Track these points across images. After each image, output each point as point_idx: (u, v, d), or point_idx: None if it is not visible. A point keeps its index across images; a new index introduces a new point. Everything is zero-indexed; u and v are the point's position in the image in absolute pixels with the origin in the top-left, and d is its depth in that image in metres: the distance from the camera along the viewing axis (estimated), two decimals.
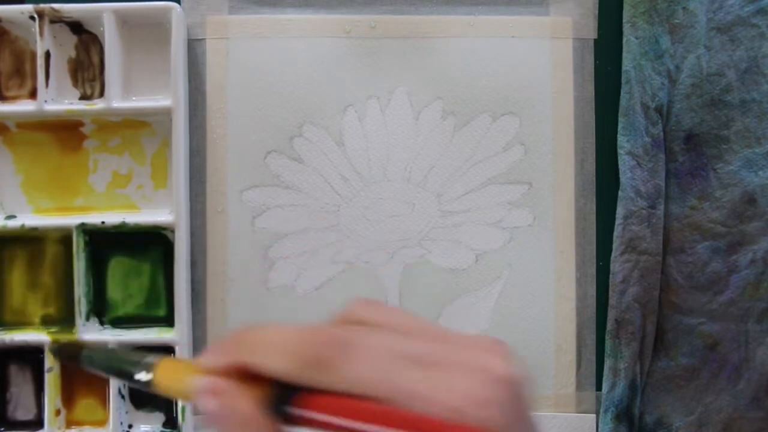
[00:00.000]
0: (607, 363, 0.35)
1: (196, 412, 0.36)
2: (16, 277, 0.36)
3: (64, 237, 0.35)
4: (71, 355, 0.29)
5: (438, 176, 0.36)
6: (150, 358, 0.25)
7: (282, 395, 0.21)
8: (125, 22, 0.35)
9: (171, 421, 0.36)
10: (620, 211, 0.35)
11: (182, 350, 0.34)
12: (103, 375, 0.30)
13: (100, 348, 0.30)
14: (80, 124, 0.36)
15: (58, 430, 0.35)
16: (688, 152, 0.35)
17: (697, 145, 0.35)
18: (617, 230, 0.35)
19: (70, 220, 0.35)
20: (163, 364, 0.24)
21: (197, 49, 0.36)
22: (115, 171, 0.36)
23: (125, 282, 0.36)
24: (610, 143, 0.36)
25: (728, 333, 0.35)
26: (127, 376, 0.25)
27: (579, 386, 0.36)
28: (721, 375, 0.36)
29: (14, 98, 0.36)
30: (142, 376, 0.25)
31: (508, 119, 0.36)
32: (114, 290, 0.36)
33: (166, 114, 0.35)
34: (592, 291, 0.36)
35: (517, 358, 0.22)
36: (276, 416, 0.21)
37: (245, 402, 0.22)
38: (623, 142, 0.35)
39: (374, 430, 0.19)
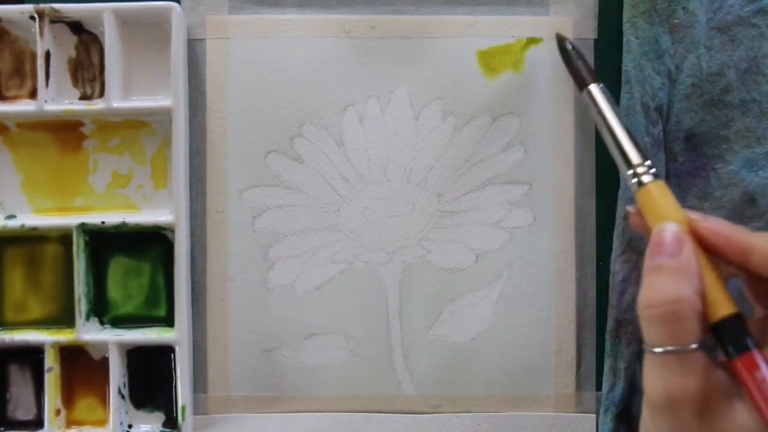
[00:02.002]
0: (607, 363, 0.35)
1: (195, 412, 0.36)
2: (16, 277, 0.36)
3: (64, 237, 0.35)
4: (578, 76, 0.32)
5: (438, 176, 0.36)
6: (644, 171, 0.28)
7: (736, 332, 0.24)
8: (125, 22, 0.35)
9: (171, 421, 0.36)
10: (620, 212, 0.35)
11: (182, 350, 0.34)
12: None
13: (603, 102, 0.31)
14: (80, 124, 0.36)
15: (58, 430, 0.35)
16: (688, 152, 0.35)
17: (697, 145, 0.35)
18: (617, 230, 0.35)
19: (70, 220, 0.35)
20: (656, 185, 0.28)
21: (197, 49, 0.36)
22: (115, 171, 0.36)
23: (125, 282, 0.36)
24: None
25: None
26: (623, 166, 0.29)
27: (579, 386, 0.36)
28: None
29: (14, 98, 0.36)
30: (630, 178, 0.29)
31: (508, 119, 0.36)
32: (114, 290, 0.36)
33: (166, 114, 0.35)
34: (592, 291, 0.36)
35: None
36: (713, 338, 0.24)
37: (691, 282, 0.24)
38: None
39: None
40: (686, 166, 0.35)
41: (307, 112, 0.36)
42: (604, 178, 0.36)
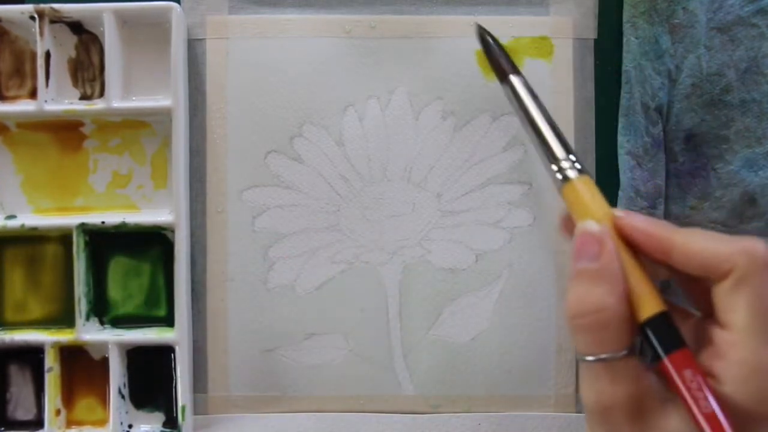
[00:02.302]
0: None
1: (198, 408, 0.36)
2: (16, 277, 0.36)
3: (64, 237, 0.35)
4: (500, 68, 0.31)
5: (438, 176, 0.36)
6: (568, 166, 0.27)
7: (664, 328, 0.24)
8: (125, 22, 0.35)
9: (171, 421, 0.36)
10: None
11: (182, 350, 0.34)
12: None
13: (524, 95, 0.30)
14: (80, 124, 0.36)
15: (58, 430, 0.35)
16: (688, 152, 0.35)
17: (697, 145, 0.35)
18: None
19: (70, 220, 0.35)
20: (581, 181, 0.27)
21: (197, 49, 0.36)
22: (115, 171, 0.36)
23: (125, 282, 0.36)
24: (610, 143, 0.36)
25: None
26: (546, 159, 0.28)
27: (579, 386, 0.36)
28: None
29: (14, 98, 0.36)
30: (556, 173, 0.28)
31: (508, 119, 0.36)
32: (114, 290, 0.36)
33: (166, 114, 0.35)
34: None
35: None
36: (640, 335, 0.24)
37: (614, 287, 0.23)
38: (623, 142, 0.35)
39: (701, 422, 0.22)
40: (686, 166, 0.35)
41: (307, 112, 0.36)
42: (604, 177, 0.36)
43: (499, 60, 0.31)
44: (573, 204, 0.27)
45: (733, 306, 0.23)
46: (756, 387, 0.22)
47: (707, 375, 0.23)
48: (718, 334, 0.23)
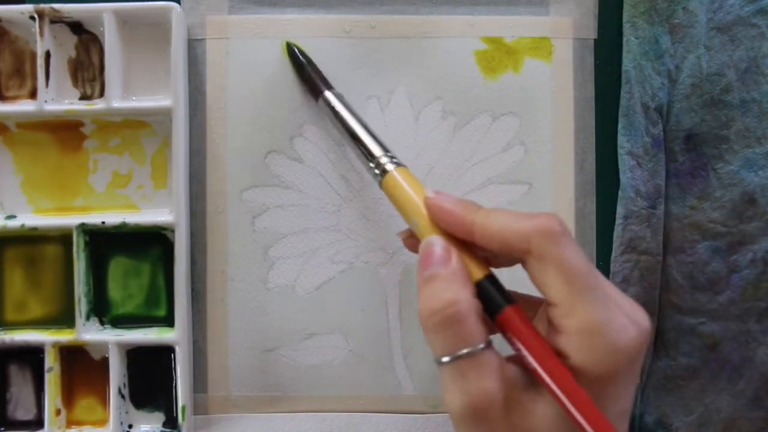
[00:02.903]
0: None
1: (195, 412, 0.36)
2: (16, 277, 0.36)
3: (64, 237, 0.35)
4: (312, 83, 0.34)
5: (438, 176, 0.36)
6: (386, 161, 0.29)
7: (492, 291, 0.25)
8: (125, 22, 0.35)
9: (171, 421, 0.36)
10: (620, 211, 0.35)
11: (182, 350, 0.34)
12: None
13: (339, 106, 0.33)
14: (80, 124, 0.36)
15: (58, 430, 0.35)
16: (688, 152, 0.35)
17: (697, 145, 0.35)
18: (617, 230, 0.35)
19: (70, 220, 0.35)
20: (398, 171, 0.29)
21: (197, 49, 0.36)
22: (115, 171, 0.36)
23: (125, 282, 0.36)
24: (610, 143, 0.36)
25: (728, 333, 0.35)
26: (366, 159, 0.30)
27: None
28: (721, 375, 0.36)
29: (14, 98, 0.36)
30: (374, 170, 0.30)
31: (508, 119, 0.36)
32: (114, 290, 0.36)
33: (166, 114, 0.35)
34: None
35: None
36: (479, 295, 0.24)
37: (465, 285, 0.24)
38: (623, 142, 0.35)
39: (539, 371, 0.23)
40: (686, 166, 0.35)
41: (307, 112, 0.36)
42: (604, 178, 0.36)
43: (312, 78, 0.34)
44: (393, 192, 0.28)
45: (546, 282, 0.23)
46: (592, 350, 0.22)
47: (557, 353, 0.23)
48: (551, 312, 0.23)
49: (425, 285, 0.24)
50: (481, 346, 0.23)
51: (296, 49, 0.34)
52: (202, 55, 0.36)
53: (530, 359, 0.23)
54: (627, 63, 0.35)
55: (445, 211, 0.25)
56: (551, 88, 0.36)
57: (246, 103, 0.36)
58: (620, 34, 0.35)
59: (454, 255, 0.25)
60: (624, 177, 0.35)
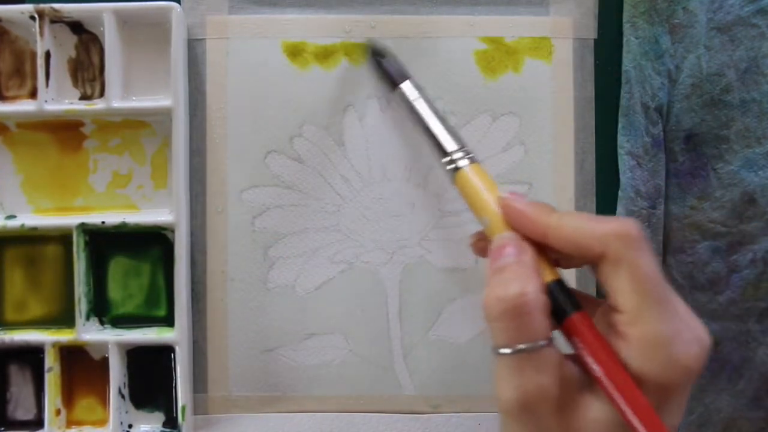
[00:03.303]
0: None
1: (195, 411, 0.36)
2: (16, 277, 0.36)
3: (64, 237, 0.35)
4: (392, 77, 0.33)
5: (438, 176, 0.36)
6: (459, 157, 0.29)
7: (561, 295, 0.24)
8: (125, 22, 0.35)
9: (171, 421, 0.36)
10: (620, 211, 0.35)
11: (182, 350, 0.34)
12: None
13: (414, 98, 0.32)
14: (80, 124, 0.36)
15: (58, 430, 0.35)
16: (688, 152, 0.35)
17: (697, 145, 0.35)
18: None
19: (70, 220, 0.35)
20: (471, 168, 0.28)
21: (197, 49, 0.36)
22: (115, 171, 0.36)
23: (125, 282, 0.36)
24: (610, 143, 0.36)
25: (728, 333, 0.35)
26: (438, 155, 0.30)
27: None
28: (721, 375, 0.36)
29: (14, 98, 0.36)
30: (445, 166, 0.29)
31: (508, 119, 0.36)
32: (114, 290, 0.36)
33: (166, 114, 0.35)
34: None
35: None
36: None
37: (534, 279, 0.24)
38: (623, 142, 0.35)
39: (605, 381, 0.22)
40: (686, 166, 0.35)
41: (307, 112, 0.36)
42: (604, 178, 0.36)
43: (391, 69, 0.33)
44: (464, 189, 0.28)
45: (617, 288, 0.23)
46: (654, 361, 0.22)
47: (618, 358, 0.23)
48: (615, 317, 0.23)
49: (496, 275, 0.24)
50: (543, 342, 0.23)
51: (374, 50, 0.34)
52: (202, 55, 0.36)
53: (596, 368, 0.23)
54: (627, 63, 0.35)
55: (519, 212, 0.26)
56: (551, 88, 0.36)
57: (246, 103, 0.36)
58: (620, 34, 0.35)
59: (528, 250, 0.25)
60: (624, 177, 0.35)
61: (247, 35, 0.36)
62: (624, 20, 0.35)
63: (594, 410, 0.23)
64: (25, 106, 0.35)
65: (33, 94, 0.35)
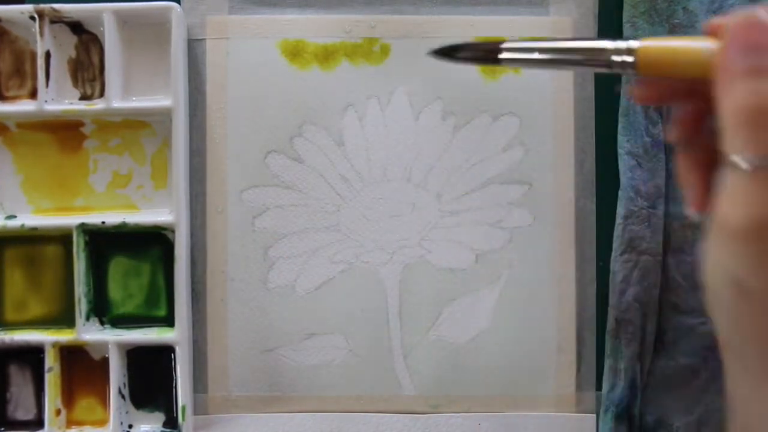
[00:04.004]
0: (607, 363, 0.35)
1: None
2: (16, 277, 0.36)
3: (64, 237, 0.35)
4: (482, 53, 0.27)
5: (438, 176, 0.36)
6: (623, 46, 0.23)
7: None
8: (125, 22, 0.35)
9: (171, 421, 0.36)
10: (620, 211, 0.35)
11: (182, 350, 0.34)
12: (537, 65, 0.26)
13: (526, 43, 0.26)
14: (80, 124, 0.36)
15: (58, 430, 0.35)
16: None
17: None
18: (617, 230, 0.35)
19: (70, 220, 0.35)
20: (648, 39, 0.23)
21: (197, 49, 0.36)
22: (115, 171, 0.36)
23: (125, 282, 0.36)
24: (610, 143, 0.36)
25: None
26: (593, 62, 0.24)
27: (579, 386, 0.36)
28: (721, 375, 0.36)
29: (14, 98, 0.36)
30: (619, 58, 0.23)
31: (508, 119, 0.36)
32: (114, 290, 0.36)
33: (166, 114, 0.35)
34: (592, 291, 0.36)
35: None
36: None
37: None
38: (623, 142, 0.35)
39: None
40: None
41: (307, 112, 0.36)
42: (604, 178, 0.36)
43: (480, 47, 0.28)
44: (663, 54, 0.23)
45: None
46: None
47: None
48: None
49: (752, 77, 0.20)
50: None
51: (446, 52, 0.29)
52: (202, 55, 0.36)
53: None
54: None
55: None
56: (551, 88, 0.36)
57: (246, 102, 0.36)
58: (620, 34, 0.35)
59: None
60: (624, 177, 0.35)
61: (247, 35, 0.36)
62: (624, 20, 0.35)
63: None
64: (25, 106, 0.35)
65: (33, 94, 0.35)
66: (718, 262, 0.21)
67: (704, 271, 0.21)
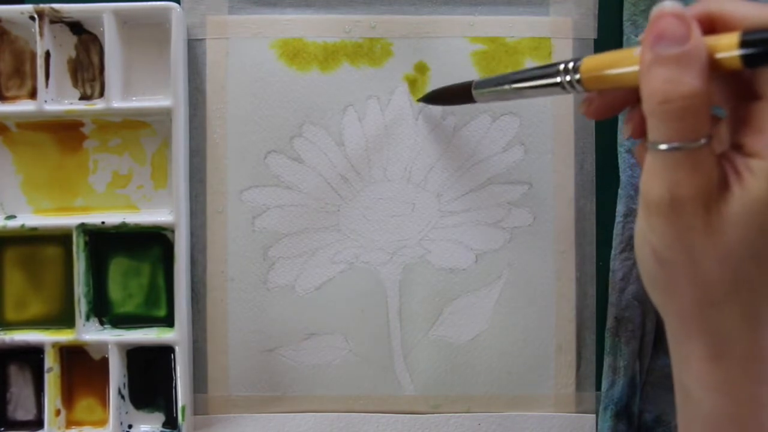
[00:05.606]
0: (607, 361, 0.35)
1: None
2: (16, 277, 0.36)
3: (64, 237, 0.35)
4: (459, 94, 0.32)
5: (438, 176, 0.36)
6: (565, 64, 0.25)
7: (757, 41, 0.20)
8: (125, 22, 0.35)
9: (171, 421, 0.36)
10: (620, 209, 0.35)
11: (182, 350, 0.34)
12: (506, 96, 0.29)
13: (491, 78, 0.29)
14: (80, 124, 0.36)
15: (58, 430, 0.35)
16: None
17: None
18: (617, 228, 0.35)
19: (70, 220, 0.35)
20: (589, 58, 0.24)
21: (197, 49, 0.36)
22: (115, 171, 0.36)
23: (125, 282, 0.36)
24: (610, 142, 0.36)
25: None
26: (543, 85, 0.26)
27: (579, 386, 0.36)
28: None
29: (14, 98, 0.36)
30: (566, 78, 0.25)
31: (508, 119, 0.36)
32: (114, 290, 0.36)
33: (166, 114, 0.35)
34: (592, 291, 0.36)
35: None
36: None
37: (703, 71, 0.21)
38: (623, 140, 0.35)
39: None
40: None
41: (307, 112, 0.36)
42: (604, 178, 0.36)
43: (454, 88, 0.33)
44: (599, 65, 0.24)
45: None
46: None
47: (745, 153, 0.22)
48: (757, 108, 0.22)
49: (658, 65, 0.21)
50: (704, 141, 0.21)
51: (429, 99, 0.35)
52: (202, 55, 0.36)
53: None
54: None
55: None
56: None
57: (246, 102, 0.36)
58: (620, 34, 0.35)
59: (694, 28, 0.21)
60: (624, 175, 0.35)
61: (247, 35, 0.36)
62: (624, 19, 0.35)
63: (734, 206, 0.21)
64: (25, 107, 0.35)
65: (33, 95, 0.35)
66: (642, 234, 0.23)
67: (635, 243, 0.24)
